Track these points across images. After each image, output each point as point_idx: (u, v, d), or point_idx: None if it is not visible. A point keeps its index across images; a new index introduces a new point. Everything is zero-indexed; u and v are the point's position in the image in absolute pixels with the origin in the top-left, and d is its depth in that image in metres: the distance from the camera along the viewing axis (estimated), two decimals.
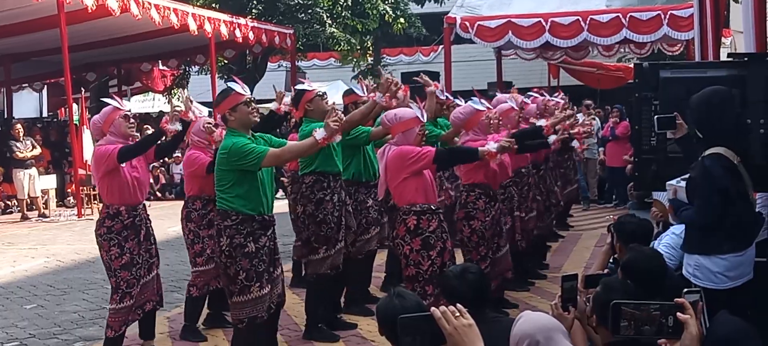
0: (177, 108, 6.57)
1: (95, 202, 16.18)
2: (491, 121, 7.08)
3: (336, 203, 6.87)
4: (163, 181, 19.97)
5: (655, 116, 5.29)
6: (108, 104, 6.44)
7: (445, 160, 6.26)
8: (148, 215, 6.57)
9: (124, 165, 6.25)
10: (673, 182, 5.14)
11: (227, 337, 7.22)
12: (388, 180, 6.04)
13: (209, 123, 7.10)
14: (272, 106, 6.85)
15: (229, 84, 5.81)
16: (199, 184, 7.18)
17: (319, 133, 5.45)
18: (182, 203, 7.46)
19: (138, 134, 6.91)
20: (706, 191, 4.77)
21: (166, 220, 7.46)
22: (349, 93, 7.60)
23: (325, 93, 7.06)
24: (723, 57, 8.47)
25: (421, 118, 6.02)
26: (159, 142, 6.63)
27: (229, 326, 7.44)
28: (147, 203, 6.59)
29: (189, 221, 7.23)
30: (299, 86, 7.06)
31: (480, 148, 6.13)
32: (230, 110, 5.61)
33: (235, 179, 5.53)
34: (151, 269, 6.49)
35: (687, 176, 5.03)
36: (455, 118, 7.06)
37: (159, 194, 19.42)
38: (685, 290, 3.33)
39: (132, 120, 6.47)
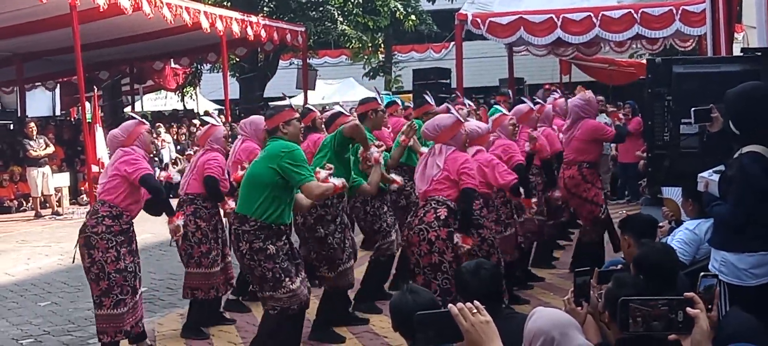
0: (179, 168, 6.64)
1: None
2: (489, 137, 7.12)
3: (338, 225, 6.89)
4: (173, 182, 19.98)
5: (693, 109, 5.23)
6: (126, 117, 6.45)
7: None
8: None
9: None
10: (705, 174, 5.01)
11: (232, 331, 7.27)
12: (437, 173, 6.17)
13: (227, 133, 7.44)
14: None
15: (288, 100, 6.17)
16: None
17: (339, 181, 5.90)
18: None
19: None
20: (741, 191, 4.62)
21: None
22: (365, 102, 7.76)
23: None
24: (735, 52, 8.44)
25: (462, 120, 6.29)
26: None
27: (228, 323, 7.52)
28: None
29: (198, 217, 7.14)
30: (337, 109, 7.35)
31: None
32: (284, 124, 5.85)
33: (272, 181, 5.63)
34: (141, 284, 6.48)
35: (719, 168, 4.91)
36: (472, 131, 7.01)
37: (171, 193, 19.46)
38: (702, 274, 3.32)
39: (153, 134, 6.52)
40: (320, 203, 6.78)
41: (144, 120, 6.49)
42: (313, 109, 8.95)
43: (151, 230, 10.43)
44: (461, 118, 6.30)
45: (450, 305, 2.73)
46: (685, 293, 2.77)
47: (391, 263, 8.16)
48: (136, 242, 6.45)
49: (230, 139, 7.87)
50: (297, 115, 5.98)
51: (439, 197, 6.13)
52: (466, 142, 6.32)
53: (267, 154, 5.76)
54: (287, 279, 5.67)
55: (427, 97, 8.92)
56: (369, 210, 7.68)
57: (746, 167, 4.58)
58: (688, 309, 2.69)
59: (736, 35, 12.18)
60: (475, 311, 2.68)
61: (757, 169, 4.57)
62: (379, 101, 7.63)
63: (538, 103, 9.48)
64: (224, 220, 7.37)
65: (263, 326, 5.95)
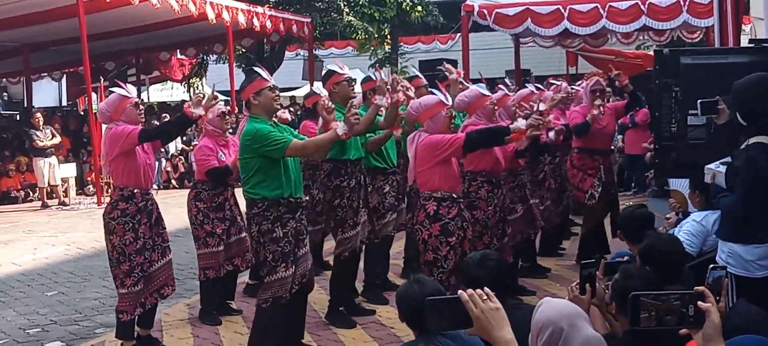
0: (198, 93, 6.60)
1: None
2: (495, 107, 7.03)
3: (353, 187, 6.92)
4: (182, 169, 20.03)
5: (699, 100, 5.20)
6: (142, 92, 6.46)
7: (474, 144, 6.07)
8: (156, 201, 6.59)
9: (138, 148, 6.28)
10: (712, 166, 5.00)
11: (238, 321, 7.29)
12: (415, 167, 6.05)
13: (223, 110, 7.25)
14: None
15: (254, 69, 5.89)
16: None
17: (341, 128, 5.59)
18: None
19: (155, 121, 6.94)
20: (748, 182, 4.60)
21: (185, 208, 7.48)
22: (366, 80, 7.58)
23: (354, 80, 7.13)
24: (743, 44, 8.41)
25: (446, 102, 6.03)
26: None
27: (234, 313, 7.53)
28: (166, 191, 6.62)
29: (198, 200, 7.25)
30: (331, 66, 7.12)
31: (511, 126, 6.05)
32: (254, 95, 5.70)
33: (258, 165, 5.60)
34: (165, 254, 6.53)
35: (725, 160, 4.90)
36: (459, 102, 7.00)
37: (176, 184, 19.50)
38: (711, 266, 3.31)
39: (140, 107, 6.48)
40: (335, 175, 6.82)
41: (129, 93, 6.40)
42: (319, 93, 8.98)
43: None
44: (446, 100, 6.14)
45: (460, 291, 2.73)
46: (696, 288, 2.76)
47: (387, 244, 8.10)
48: (158, 213, 6.50)
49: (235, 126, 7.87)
50: (269, 84, 5.74)
51: (425, 192, 6.00)
52: (450, 125, 6.09)
53: (240, 148, 5.78)
54: (282, 265, 5.64)
55: (414, 70, 8.94)
56: (371, 188, 7.53)
57: (753, 158, 4.57)
58: (700, 303, 2.67)
59: (743, 26, 12.15)
60: (485, 297, 2.68)
61: (764, 161, 4.55)
62: (340, 71, 7.07)
63: (539, 89, 9.47)
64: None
65: (257, 322, 5.91)
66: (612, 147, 8.61)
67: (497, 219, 6.96)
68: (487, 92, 6.95)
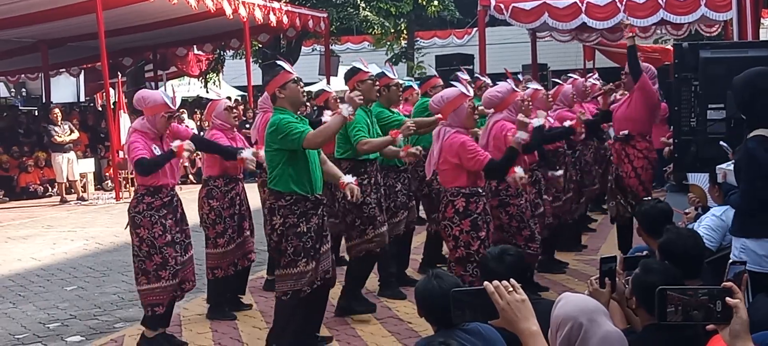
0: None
1: (132, 186, 16.33)
2: (523, 103, 7.05)
3: (373, 186, 6.95)
4: (200, 165, 20.03)
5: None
6: (159, 87, 6.45)
7: (493, 173, 6.20)
8: (180, 198, 6.59)
9: (156, 149, 6.27)
10: (723, 165, 5.02)
11: (257, 316, 7.30)
12: (440, 161, 6.07)
13: (230, 105, 7.35)
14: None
15: (277, 62, 5.91)
16: (221, 164, 7.24)
17: (346, 110, 5.60)
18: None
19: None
20: (750, 176, 4.59)
21: None
22: (379, 76, 7.48)
23: (377, 78, 7.16)
24: (762, 38, 8.35)
25: (467, 93, 6.04)
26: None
27: (246, 308, 7.54)
28: (183, 186, 6.63)
29: (210, 198, 7.20)
30: (356, 64, 7.15)
31: (512, 140, 6.06)
32: (280, 88, 5.73)
33: (285, 158, 5.63)
34: (187, 250, 6.54)
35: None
36: (492, 97, 6.96)
37: (194, 179, 19.54)
38: (730, 261, 3.29)
39: (172, 119, 6.46)
40: (356, 174, 6.78)
41: (171, 106, 6.32)
42: (328, 89, 9.04)
43: None
44: (467, 92, 6.18)
45: (486, 282, 2.73)
46: (724, 283, 2.74)
47: (399, 243, 8.03)
48: (182, 210, 6.49)
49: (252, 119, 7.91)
50: (293, 76, 5.76)
51: (452, 188, 6.04)
52: (474, 116, 6.13)
53: (265, 140, 5.79)
54: (303, 259, 5.66)
55: (430, 70, 8.96)
56: (382, 186, 7.48)
57: (752, 151, 4.56)
58: (728, 299, 2.65)
59: (762, 20, 12.08)
60: (511, 289, 2.68)
61: (763, 153, 4.54)
62: (365, 69, 7.13)
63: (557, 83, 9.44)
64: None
65: (278, 315, 5.91)
66: (622, 133, 8.29)
67: (531, 213, 6.99)
68: (516, 88, 6.96)
